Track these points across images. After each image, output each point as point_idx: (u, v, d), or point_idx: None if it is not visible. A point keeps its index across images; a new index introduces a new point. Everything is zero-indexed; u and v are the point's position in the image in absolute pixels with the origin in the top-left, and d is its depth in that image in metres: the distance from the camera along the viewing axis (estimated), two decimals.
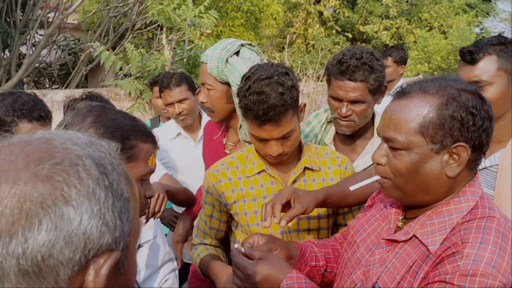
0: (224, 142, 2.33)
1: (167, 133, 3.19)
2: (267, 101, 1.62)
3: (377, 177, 1.33)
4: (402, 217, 1.37)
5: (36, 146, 0.65)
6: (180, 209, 2.78)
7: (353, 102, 2.05)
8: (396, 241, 1.29)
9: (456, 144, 1.17)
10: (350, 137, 2.22)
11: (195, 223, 2.08)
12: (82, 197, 0.62)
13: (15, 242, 0.57)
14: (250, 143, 2.21)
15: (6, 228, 0.57)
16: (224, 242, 2.07)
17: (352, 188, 1.47)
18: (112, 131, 1.21)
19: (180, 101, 3.10)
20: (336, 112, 2.10)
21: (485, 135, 1.19)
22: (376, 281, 1.27)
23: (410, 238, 1.26)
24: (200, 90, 3.29)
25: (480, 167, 1.97)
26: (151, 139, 1.32)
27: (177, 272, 2.29)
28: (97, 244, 0.62)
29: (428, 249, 1.19)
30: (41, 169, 0.61)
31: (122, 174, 0.70)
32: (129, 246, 0.70)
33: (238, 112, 2.10)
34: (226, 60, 2.09)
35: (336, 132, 2.28)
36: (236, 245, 1.45)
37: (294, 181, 1.84)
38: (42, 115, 2.05)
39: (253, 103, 1.63)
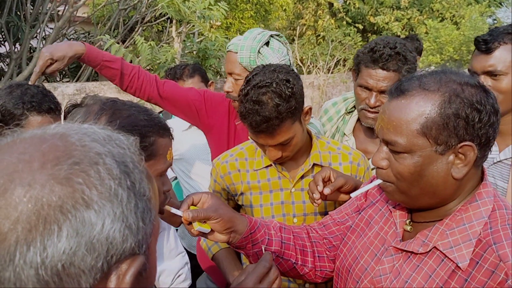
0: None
1: (179, 125, 3.17)
2: (260, 112, 1.57)
3: (379, 181, 1.25)
4: (409, 220, 1.29)
5: (52, 143, 0.60)
6: None
7: (383, 92, 1.98)
8: (411, 252, 1.21)
9: (462, 144, 1.09)
10: (372, 128, 2.15)
11: None
12: (103, 200, 0.58)
13: (33, 251, 0.53)
14: None
15: (22, 236, 0.53)
16: None
17: (353, 194, 1.40)
18: (130, 130, 1.13)
19: None
20: (363, 103, 2.05)
21: (491, 131, 1.11)
22: None
23: (429, 250, 1.18)
24: (212, 82, 3.29)
25: (495, 160, 1.94)
26: (168, 133, 1.27)
27: (189, 265, 2.27)
28: (120, 249, 0.59)
29: (458, 267, 1.11)
30: (58, 170, 0.57)
31: (143, 172, 0.66)
32: (150, 248, 0.67)
33: None
34: (259, 51, 2.09)
35: (358, 122, 2.23)
36: None
37: (302, 177, 1.82)
38: (52, 107, 2.01)
39: (247, 112, 1.59)
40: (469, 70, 1.98)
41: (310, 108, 1.76)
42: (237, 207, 1.99)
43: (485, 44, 1.88)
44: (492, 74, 1.88)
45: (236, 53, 2.13)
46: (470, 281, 1.08)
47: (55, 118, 2.04)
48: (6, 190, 0.55)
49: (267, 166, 1.84)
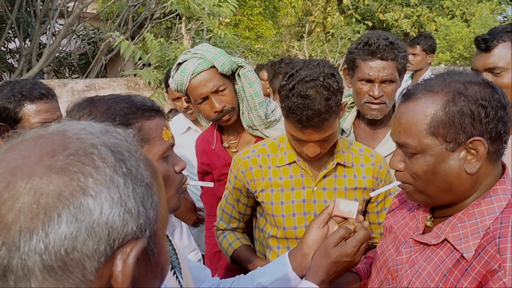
0: (227, 146, 2.30)
1: (177, 128, 3.16)
2: (311, 106, 1.55)
3: (397, 183, 1.31)
4: (430, 215, 1.34)
5: (48, 138, 0.64)
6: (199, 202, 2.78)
7: (384, 82, 2.04)
8: (426, 244, 1.26)
9: (472, 139, 1.13)
10: (371, 123, 2.20)
11: (219, 206, 2.08)
12: (100, 186, 0.60)
13: (36, 238, 0.56)
14: (255, 129, 2.20)
15: (25, 225, 0.56)
16: (248, 225, 2.09)
17: (372, 194, 1.47)
18: (112, 123, 1.12)
19: None
20: (366, 95, 2.08)
21: (501, 125, 1.14)
22: (408, 287, 1.24)
23: (442, 242, 1.22)
24: (184, 101, 3.19)
25: None
26: (156, 113, 1.19)
27: (202, 262, 2.28)
28: (121, 233, 0.61)
29: (463, 257, 1.14)
30: (55, 161, 0.60)
31: (141, 159, 0.68)
32: (158, 233, 0.69)
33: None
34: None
35: (357, 118, 2.26)
36: None
37: (325, 176, 1.81)
38: (43, 93, 2.03)
39: (297, 107, 1.57)
40: (472, 69, 2.06)
41: (346, 104, 1.78)
42: (256, 204, 1.97)
43: (484, 43, 1.98)
44: (493, 71, 1.97)
45: (211, 67, 2.08)
46: (469, 271, 1.11)
47: (50, 103, 2.05)
48: (9, 184, 0.59)
49: (290, 163, 1.82)
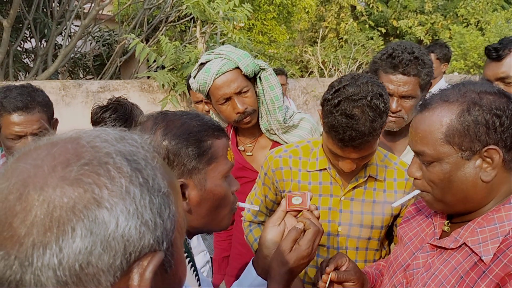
0: (242, 149, 2.30)
1: None
2: (355, 127, 1.48)
3: (417, 192, 1.34)
4: (448, 221, 1.34)
5: (62, 147, 0.61)
6: None
7: (403, 97, 2.00)
8: (444, 248, 1.26)
9: (487, 148, 1.14)
10: (392, 134, 2.17)
11: (248, 197, 2.08)
12: (115, 198, 0.58)
13: (49, 253, 0.54)
14: (272, 133, 2.20)
15: (38, 239, 0.54)
16: None
17: (394, 205, 1.46)
18: (185, 138, 1.16)
19: None
20: None
21: None
22: None
23: (459, 246, 1.22)
24: (208, 104, 3.21)
25: None
26: (223, 133, 1.25)
27: (210, 264, 2.29)
28: (138, 246, 0.58)
29: (481, 260, 1.14)
30: (69, 171, 0.57)
31: (157, 168, 0.65)
32: (175, 244, 0.67)
33: None
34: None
35: None
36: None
37: (354, 187, 1.78)
38: (18, 106, 2.03)
39: (340, 126, 1.50)
40: (482, 79, 2.04)
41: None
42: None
43: (495, 52, 1.99)
44: (504, 80, 1.97)
45: (236, 68, 2.08)
46: (487, 273, 1.12)
47: (26, 116, 2.05)
48: (21, 195, 0.56)
49: (320, 169, 1.80)
